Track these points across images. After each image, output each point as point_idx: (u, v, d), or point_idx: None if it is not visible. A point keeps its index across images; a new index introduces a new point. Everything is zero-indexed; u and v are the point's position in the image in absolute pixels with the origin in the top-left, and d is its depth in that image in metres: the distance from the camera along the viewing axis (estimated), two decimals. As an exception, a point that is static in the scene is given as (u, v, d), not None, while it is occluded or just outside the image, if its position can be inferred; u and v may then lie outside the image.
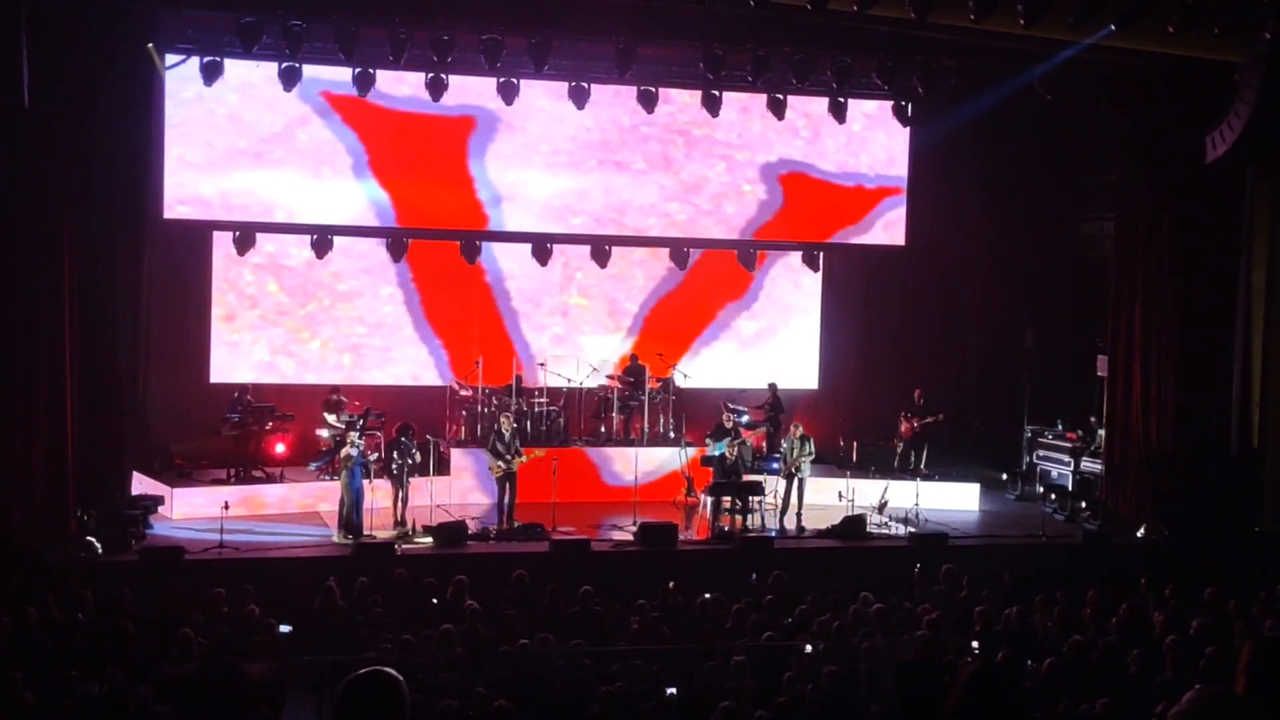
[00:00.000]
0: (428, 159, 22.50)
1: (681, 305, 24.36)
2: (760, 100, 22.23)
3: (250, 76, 20.84)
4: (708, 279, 24.33)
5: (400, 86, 21.66)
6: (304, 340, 22.84)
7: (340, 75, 20.54)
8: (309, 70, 20.25)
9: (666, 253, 23.91)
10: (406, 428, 19.45)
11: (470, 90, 21.74)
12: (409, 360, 23.31)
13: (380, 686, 4.27)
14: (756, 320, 24.75)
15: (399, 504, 19.08)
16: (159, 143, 20.84)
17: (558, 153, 23.00)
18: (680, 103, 22.92)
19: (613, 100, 22.45)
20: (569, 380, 22.71)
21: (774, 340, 24.72)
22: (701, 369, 23.39)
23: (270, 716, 12.03)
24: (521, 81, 20.72)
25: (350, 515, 18.42)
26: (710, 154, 23.75)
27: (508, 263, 23.46)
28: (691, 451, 21.30)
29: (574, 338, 23.87)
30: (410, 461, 19.18)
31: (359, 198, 22.30)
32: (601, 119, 22.88)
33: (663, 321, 24.26)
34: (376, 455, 19.72)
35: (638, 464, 20.80)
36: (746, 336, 24.65)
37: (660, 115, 22.47)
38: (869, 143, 24.06)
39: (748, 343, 24.59)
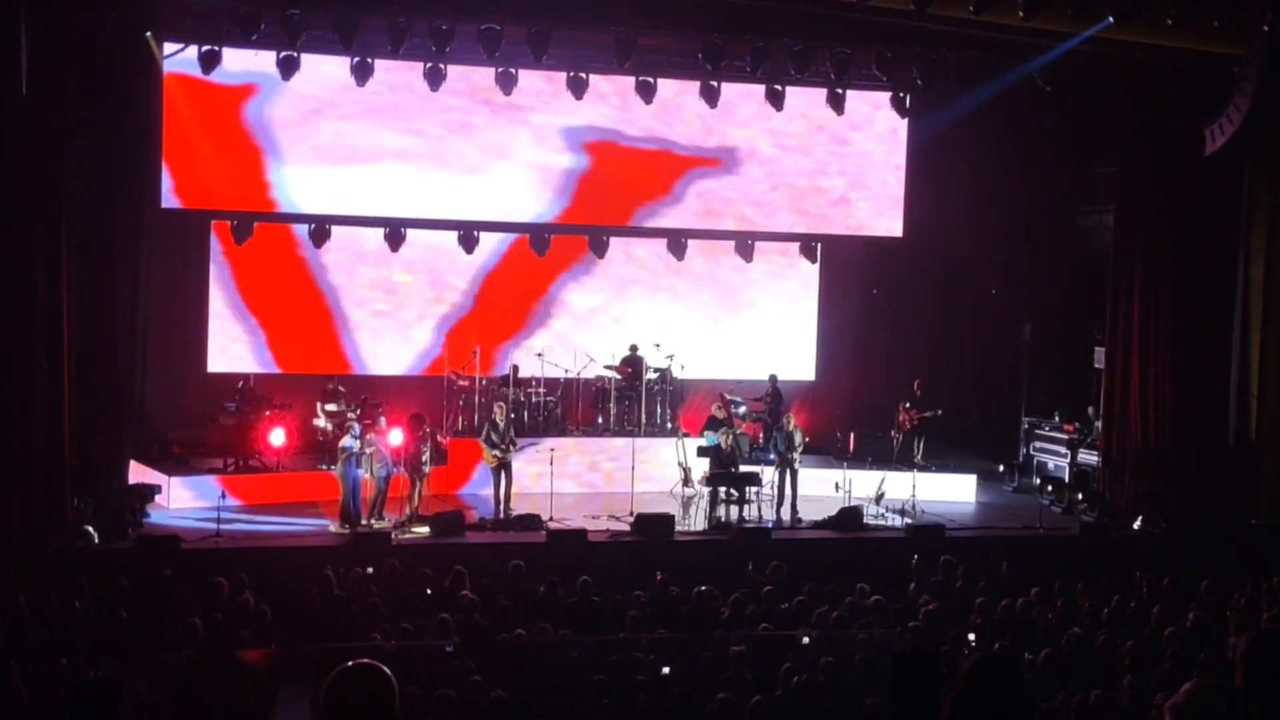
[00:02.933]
0: (213, 131, 21.53)
1: (513, 278, 23.62)
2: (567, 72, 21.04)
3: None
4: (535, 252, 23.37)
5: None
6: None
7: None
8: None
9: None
10: (418, 418, 19.41)
11: (245, 55, 20.30)
12: (220, 336, 22.51)
13: (369, 679, 4.22)
14: (591, 295, 24.09)
15: (415, 495, 19.06)
16: (157, 131, 20.81)
17: (346, 118, 22.00)
18: (480, 66, 21.15)
19: (403, 68, 21.10)
20: (565, 370, 22.69)
21: (771, 331, 24.65)
22: (700, 360, 23.26)
23: (264, 705, 12.03)
24: (303, 55, 19.91)
25: (347, 504, 18.43)
26: (513, 121, 22.77)
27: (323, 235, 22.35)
28: (689, 442, 21.28)
29: (398, 314, 23.30)
30: (425, 452, 19.17)
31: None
32: (396, 85, 21.70)
33: (497, 296, 23.53)
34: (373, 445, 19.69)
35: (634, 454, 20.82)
36: (580, 312, 23.98)
37: (458, 82, 21.50)
38: (683, 111, 23.08)
39: (581, 320, 23.88)
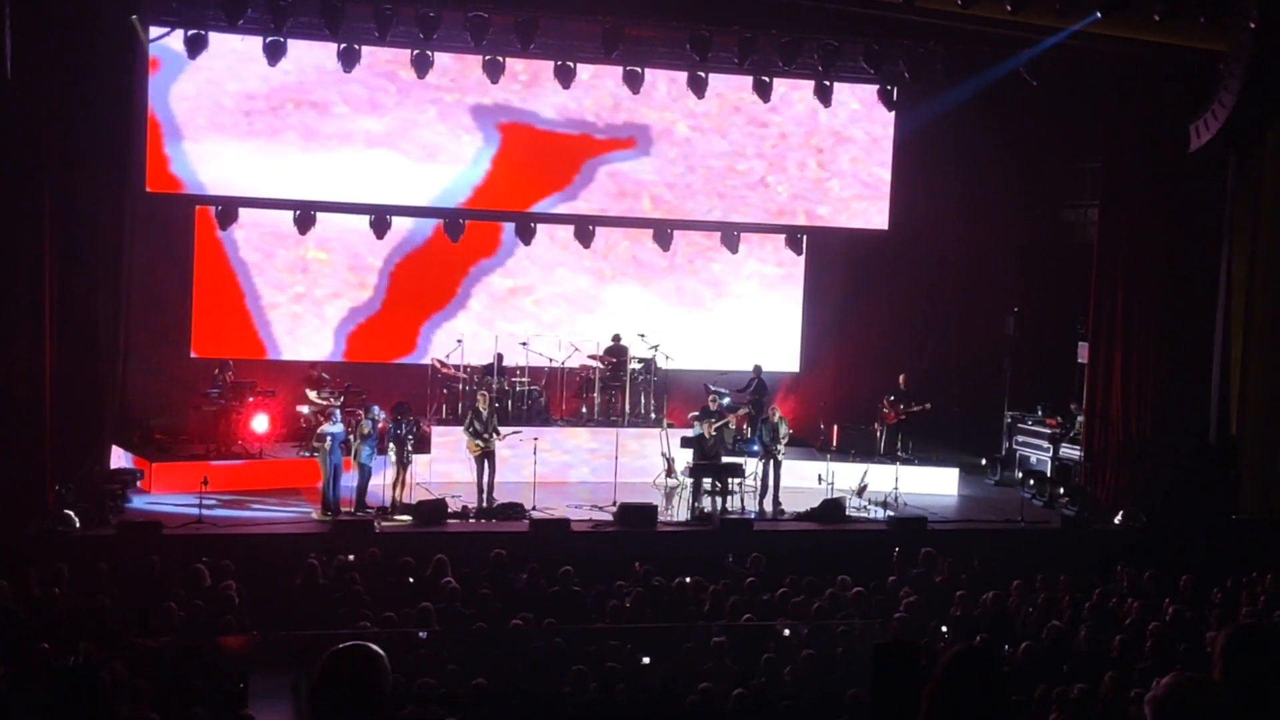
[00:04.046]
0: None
1: (432, 260, 23.14)
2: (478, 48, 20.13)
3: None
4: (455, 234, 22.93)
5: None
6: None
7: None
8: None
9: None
10: (402, 407, 19.36)
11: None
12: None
13: (362, 660, 4.22)
14: (512, 278, 23.63)
15: (398, 485, 19.00)
16: (142, 115, 20.71)
17: (253, 97, 21.56)
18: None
19: (308, 46, 20.51)
20: (550, 360, 22.62)
21: (756, 322, 24.64)
22: (685, 351, 23.20)
23: (240, 690, 12.07)
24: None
25: (328, 492, 18.40)
26: (421, 99, 22.35)
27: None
28: (673, 433, 21.29)
29: (313, 293, 22.79)
30: (410, 440, 19.14)
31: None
32: (302, 62, 20.99)
33: (412, 278, 23.08)
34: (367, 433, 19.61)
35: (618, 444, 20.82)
36: (499, 293, 23.58)
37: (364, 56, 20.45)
38: (595, 90, 22.45)
39: (500, 299, 23.46)
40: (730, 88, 22.78)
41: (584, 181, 23.40)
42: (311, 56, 21.10)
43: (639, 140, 23.55)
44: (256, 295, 22.59)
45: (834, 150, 24.21)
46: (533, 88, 22.33)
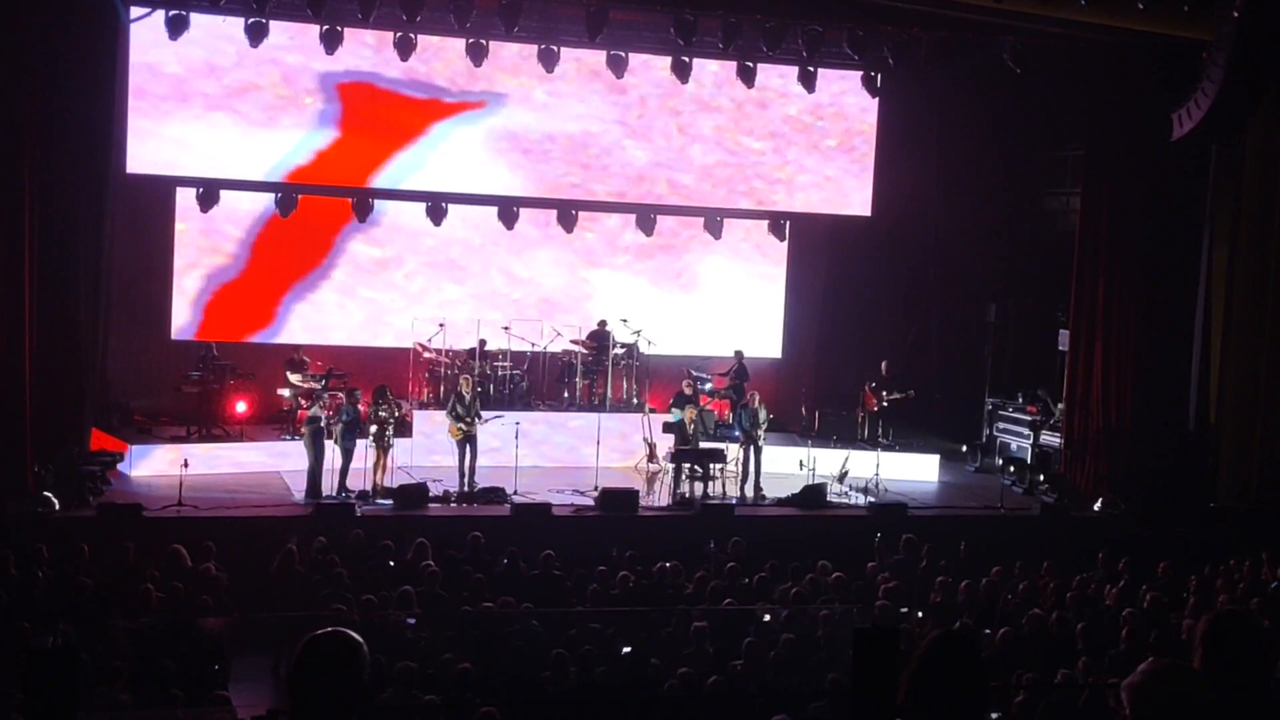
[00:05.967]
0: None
1: (292, 233, 22.45)
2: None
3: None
4: (321, 206, 22.54)
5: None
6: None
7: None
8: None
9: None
10: (381, 391, 19.31)
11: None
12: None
13: (340, 647, 4.19)
14: (380, 248, 23.19)
15: (378, 469, 18.94)
16: (123, 96, 20.59)
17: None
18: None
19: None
20: (532, 344, 22.58)
21: (738, 308, 24.63)
22: (667, 336, 23.15)
23: (220, 671, 12.06)
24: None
25: (315, 475, 18.37)
26: (262, 60, 21.34)
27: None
28: (655, 418, 21.28)
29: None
30: (390, 424, 19.10)
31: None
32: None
33: (272, 249, 22.49)
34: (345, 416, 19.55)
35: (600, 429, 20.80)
36: (364, 263, 23.10)
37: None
38: (445, 51, 21.62)
39: (366, 269, 23.07)
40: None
41: (429, 146, 22.72)
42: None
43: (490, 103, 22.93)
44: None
45: (816, 136, 24.20)
46: (381, 52, 21.48)
